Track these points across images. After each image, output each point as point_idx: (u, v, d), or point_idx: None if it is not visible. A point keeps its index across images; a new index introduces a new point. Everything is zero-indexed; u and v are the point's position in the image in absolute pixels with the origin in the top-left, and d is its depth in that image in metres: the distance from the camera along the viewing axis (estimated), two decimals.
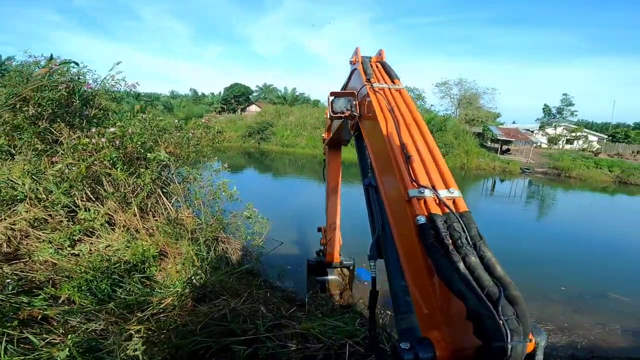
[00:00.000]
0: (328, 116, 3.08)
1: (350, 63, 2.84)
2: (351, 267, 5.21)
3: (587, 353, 6.02)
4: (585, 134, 50.06)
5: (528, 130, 49.41)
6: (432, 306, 1.25)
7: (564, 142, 49.13)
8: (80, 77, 6.17)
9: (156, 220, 5.74)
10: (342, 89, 3.03)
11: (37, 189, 4.23)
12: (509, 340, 0.96)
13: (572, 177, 33.30)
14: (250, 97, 73.83)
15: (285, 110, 51.07)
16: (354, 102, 2.40)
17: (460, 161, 35.10)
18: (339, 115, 2.43)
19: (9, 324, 2.85)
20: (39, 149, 4.67)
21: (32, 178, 4.26)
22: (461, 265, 1.17)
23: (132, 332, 3.17)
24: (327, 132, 3.84)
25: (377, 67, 2.52)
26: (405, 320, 1.38)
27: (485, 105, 51.12)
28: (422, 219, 1.34)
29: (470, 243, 1.25)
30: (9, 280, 3.48)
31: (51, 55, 5.56)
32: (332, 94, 2.43)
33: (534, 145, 41.35)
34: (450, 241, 1.25)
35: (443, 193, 1.48)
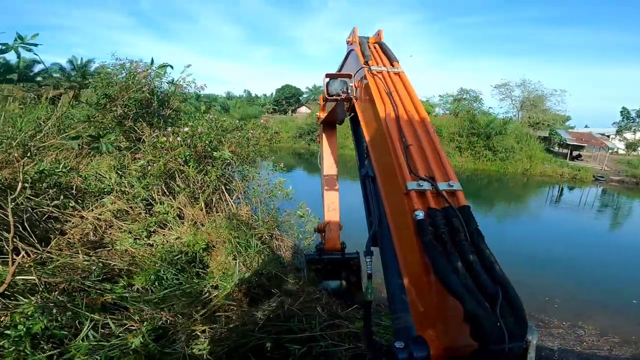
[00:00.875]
0: (322, 98, 2.99)
1: (347, 43, 2.70)
2: (355, 260, 4.30)
3: None
4: None
5: (603, 135, 44.56)
6: (428, 304, 1.23)
7: None
8: (158, 79, 6.70)
9: (219, 215, 6.03)
10: (338, 71, 2.89)
11: (122, 183, 4.63)
12: (507, 343, 0.95)
13: None
14: (300, 98, 75.27)
15: None
16: (350, 85, 2.31)
17: (522, 167, 32.61)
18: (334, 97, 2.35)
19: (94, 310, 3.11)
20: (124, 146, 5.12)
21: (117, 173, 4.69)
22: (459, 264, 1.14)
23: (197, 332, 3.32)
24: (322, 111, 3.63)
25: (375, 48, 2.40)
26: (401, 320, 1.35)
27: (553, 107, 47.15)
28: (420, 214, 1.30)
29: (469, 240, 1.22)
30: (94, 267, 3.81)
31: (152, 59, 6.11)
32: (327, 75, 2.36)
33: (610, 151, 37.15)
34: (449, 237, 1.22)
35: (443, 186, 1.43)
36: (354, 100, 2.34)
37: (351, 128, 2.65)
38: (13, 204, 2.62)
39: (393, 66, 2.18)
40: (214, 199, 6.15)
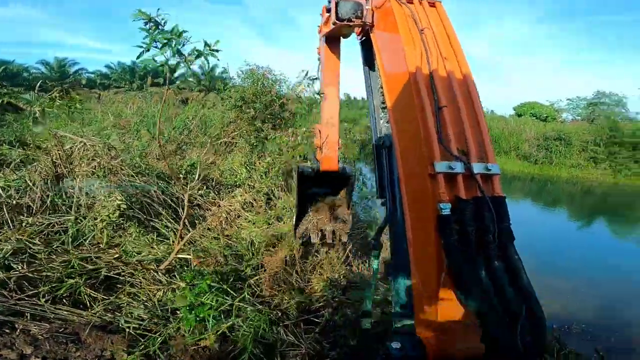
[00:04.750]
0: (325, 9, 2.37)
1: None
2: (352, 180, 3.68)
3: None
4: None
5: None
6: (433, 304, 1.10)
7: None
8: (276, 83, 7.33)
9: None
10: None
11: (251, 177, 5.18)
12: None
13: None
14: None
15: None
16: (367, 7, 1.82)
17: None
18: (345, 23, 1.86)
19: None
20: (253, 144, 5.73)
21: (246, 168, 5.27)
22: (483, 274, 1.00)
23: None
24: (325, 25, 3.00)
25: None
26: (402, 322, 1.28)
27: None
28: (446, 209, 1.07)
29: (496, 241, 1.03)
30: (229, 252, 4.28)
31: (306, 72, 6.70)
32: None
33: None
34: (476, 236, 1.04)
35: (478, 167, 1.14)
36: (371, 30, 1.87)
37: (362, 58, 2.16)
38: (190, 191, 3.05)
39: None
40: None
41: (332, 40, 3.29)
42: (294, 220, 3.41)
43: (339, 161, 3.41)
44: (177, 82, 32.80)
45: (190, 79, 36.26)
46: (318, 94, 6.39)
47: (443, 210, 1.11)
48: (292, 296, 3.92)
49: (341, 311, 3.90)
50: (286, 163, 5.25)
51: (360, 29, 2.02)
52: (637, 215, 20.27)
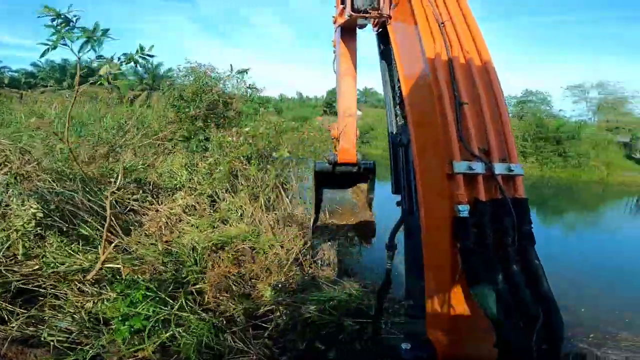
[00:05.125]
0: (346, 12, 2.13)
1: None
2: (371, 175, 3.58)
3: None
4: None
5: None
6: (445, 306, 1.10)
7: None
8: (219, 82, 7.09)
9: (275, 214, 6.19)
10: None
11: (192, 180, 4.95)
12: None
13: None
14: None
15: (384, 113, 50.37)
16: None
17: (598, 175, 29.40)
18: (361, 14, 1.82)
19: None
20: (194, 144, 5.48)
21: (187, 170, 5.03)
22: (500, 277, 0.97)
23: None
24: (340, 15, 2.93)
25: None
26: (414, 325, 1.25)
27: (634, 110, 41.98)
28: (464, 211, 1.04)
29: (516, 244, 1.02)
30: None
31: (231, 65, 6.54)
32: None
33: None
34: (493, 240, 1.03)
35: (500, 168, 1.10)
36: (388, 21, 1.80)
37: (378, 50, 2.07)
38: (112, 197, 2.87)
39: None
40: (271, 198, 6.32)
41: (348, 32, 3.17)
42: (312, 222, 3.29)
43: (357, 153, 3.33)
44: (117, 81, 30.64)
45: (132, 78, 34.24)
46: (249, 87, 6.30)
47: (461, 212, 1.06)
48: (238, 302, 3.82)
49: (290, 315, 3.88)
50: (230, 163, 5.10)
51: (376, 20, 1.91)
52: (561, 205, 22.69)
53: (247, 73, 6.47)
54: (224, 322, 3.54)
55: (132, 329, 2.90)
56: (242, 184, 5.55)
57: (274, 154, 6.18)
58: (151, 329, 3.02)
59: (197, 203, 4.99)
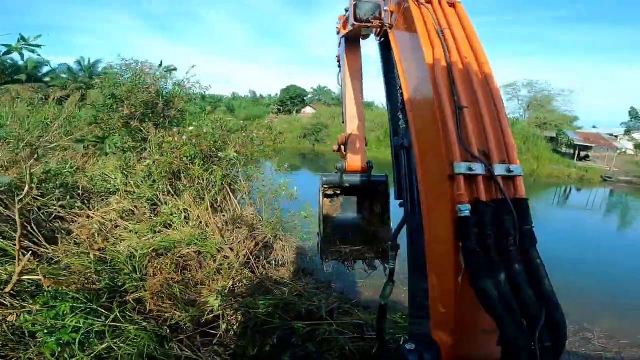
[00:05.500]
0: (349, 22, 2.20)
1: None
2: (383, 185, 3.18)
3: None
4: None
5: (611, 135, 44.02)
6: (449, 308, 1.11)
7: None
8: (163, 80, 6.74)
9: (224, 215, 6.04)
10: None
11: (128, 183, 4.65)
12: None
13: None
14: (305, 99, 75.31)
15: (340, 112, 51.22)
16: (385, 9, 1.84)
17: (530, 167, 32.35)
18: (363, 24, 1.91)
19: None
20: (130, 146, 5.15)
21: (123, 173, 4.71)
22: (502, 277, 0.99)
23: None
24: (344, 27, 3.01)
25: None
26: (418, 326, 1.23)
27: (560, 108, 46.71)
28: (466, 210, 1.07)
29: (517, 244, 1.05)
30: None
31: (161, 62, 6.19)
32: None
33: (618, 151, 36.68)
34: (495, 241, 1.05)
35: (499, 169, 1.15)
36: (389, 31, 1.86)
37: (381, 59, 2.14)
38: (20, 204, 2.64)
39: None
40: (219, 199, 6.16)
41: (352, 41, 3.20)
42: (319, 243, 2.81)
43: (368, 162, 3.04)
44: (47, 80, 28.05)
45: (64, 75, 31.56)
46: (177, 84, 6.10)
47: (462, 212, 1.08)
48: (183, 310, 3.69)
49: (239, 320, 3.82)
50: (170, 164, 4.87)
51: (379, 29, 1.96)
52: None
53: (176, 70, 6.19)
54: (168, 330, 3.41)
55: (62, 342, 2.73)
56: (185, 185, 5.34)
57: (220, 154, 6.01)
58: (85, 340, 2.85)
59: (136, 207, 4.72)
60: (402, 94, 1.59)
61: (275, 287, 4.70)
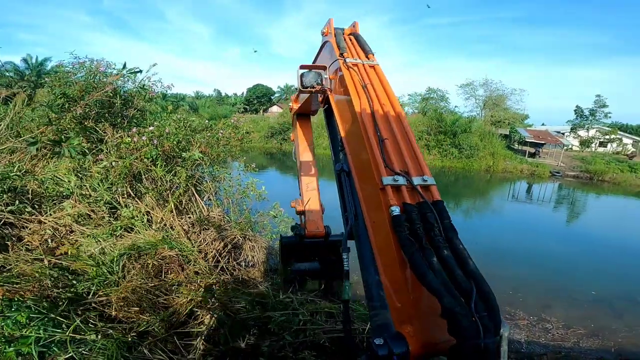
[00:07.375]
0: (298, 91, 2.67)
1: (322, 34, 2.63)
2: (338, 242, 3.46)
3: (615, 356, 6.02)
4: (620, 137, 47.57)
5: (559, 132, 47.50)
6: (405, 300, 1.25)
7: (597, 145, 46.96)
8: (122, 79, 6.43)
9: (189, 217, 5.90)
10: (313, 62, 2.83)
11: (83, 186, 4.42)
12: (482, 338, 0.97)
13: (605, 181, 31.86)
14: (272, 98, 74.74)
15: None
16: (325, 76, 2.29)
17: (486, 164, 34.17)
18: (308, 89, 2.31)
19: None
20: (85, 147, 4.89)
21: (77, 175, 4.47)
22: (435, 260, 1.17)
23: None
24: (295, 102, 3.51)
25: (350, 40, 2.37)
26: (379, 316, 1.35)
27: (513, 106, 49.71)
28: (396, 210, 1.32)
29: (443, 235, 1.26)
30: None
31: (125, 63, 5.89)
32: (301, 67, 2.29)
33: (565, 148, 39.67)
34: (424, 233, 1.25)
35: (417, 180, 1.46)
36: (329, 93, 2.31)
37: (325, 120, 2.60)
38: None
39: (368, 58, 2.15)
40: (184, 201, 6.01)
41: (303, 118, 3.86)
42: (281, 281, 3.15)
43: (326, 226, 3.32)
44: None
45: (10, 74, 29.25)
46: (142, 88, 5.93)
47: (393, 212, 1.31)
48: (152, 314, 3.58)
49: (215, 316, 3.78)
50: (129, 166, 4.68)
51: (322, 97, 2.41)
52: (459, 191, 25.82)
53: (141, 72, 5.98)
54: (136, 336, 3.31)
55: (21, 352, 2.62)
56: (146, 187, 5.16)
57: (184, 155, 5.86)
58: (47, 351, 2.74)
59: (92, 211, 4.50)
60: (340, 136, 2.08)
61: (247, 287, 4.69)
